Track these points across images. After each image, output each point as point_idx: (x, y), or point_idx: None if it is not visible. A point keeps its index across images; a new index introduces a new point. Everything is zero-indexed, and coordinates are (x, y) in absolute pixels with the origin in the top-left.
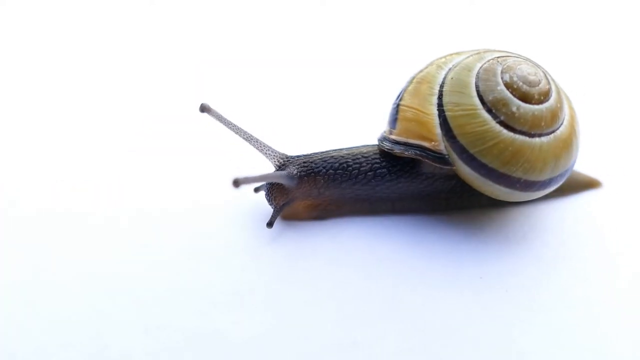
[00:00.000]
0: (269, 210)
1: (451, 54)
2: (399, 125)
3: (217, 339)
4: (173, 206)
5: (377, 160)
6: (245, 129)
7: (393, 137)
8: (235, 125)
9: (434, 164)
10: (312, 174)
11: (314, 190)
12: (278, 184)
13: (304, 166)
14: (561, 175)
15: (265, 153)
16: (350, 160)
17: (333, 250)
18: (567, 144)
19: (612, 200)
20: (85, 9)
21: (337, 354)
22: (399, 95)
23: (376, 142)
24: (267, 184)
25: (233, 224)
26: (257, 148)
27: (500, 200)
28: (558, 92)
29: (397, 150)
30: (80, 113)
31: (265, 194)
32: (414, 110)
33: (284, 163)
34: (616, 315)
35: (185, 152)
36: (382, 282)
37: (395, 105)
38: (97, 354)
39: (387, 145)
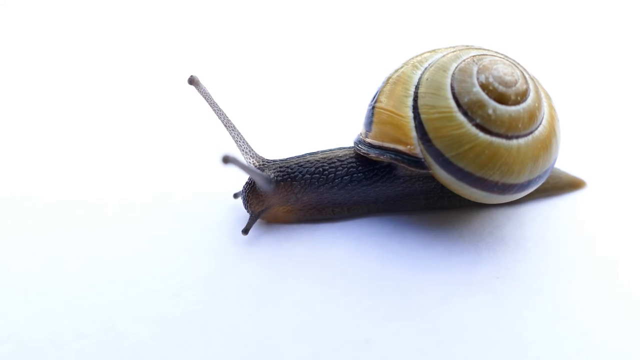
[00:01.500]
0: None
1: (427, 52)
2: (374, 128)
3: (229, 334)
4: (184, 202)
5: (354, 165)
6: (229, 117)
7: (369, 140)
8: (219, 109)
9: (409, 168)
10: (289, 179)
11: (291, 197)
12: (254, 190)
13: (281, 171)
14: (540, 177)
15: (243, 150)
16: (326, 164)
17: (346, 248)
18: (546, 145)
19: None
20: (83, 5)
21: (350, 352)
22: (374, 97)
23: (352, 144)
24: (244, 190)
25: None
26: (235, 140)
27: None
28: (536, 91)
29: (373, 154)
30: (78, 109)
31: (243, 200)
32: (389, 113)
33: (260, 166)
34: (621, 314)
35: (184, 146)
36: (395, 280)
37: (371, 107)
38: (112, 343)
39: (363, 149)
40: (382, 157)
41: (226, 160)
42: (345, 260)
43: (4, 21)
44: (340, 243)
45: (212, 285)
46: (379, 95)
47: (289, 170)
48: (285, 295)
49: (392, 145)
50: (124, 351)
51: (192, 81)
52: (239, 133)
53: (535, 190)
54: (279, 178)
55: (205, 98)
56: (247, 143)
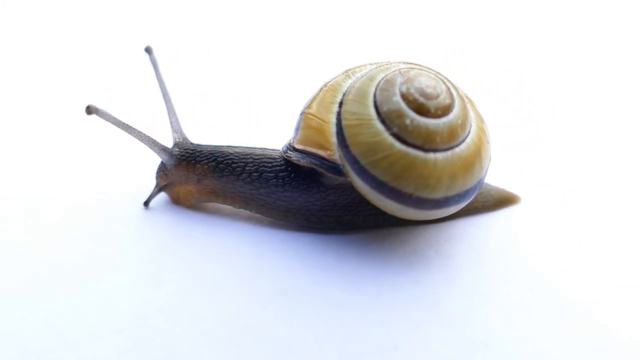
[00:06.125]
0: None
1: (368, 64)
2: (300, 133)
3: (259, 336)
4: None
5: (267, 164)
6: (169, 92)
7: (294, 144)
8: (162, 80)
9: (328, 174)
10: (193, 161)
11: (192, 177)
12: (166, 165)
13: (187, 152)
14: (460, 196)
15: (172, 122)
16: (236, 157)
17: (379, 254)
18: (467, 164)
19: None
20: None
21: (378, 357)
22: (306, 103)
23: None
24: (160, 164)
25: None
26: (168, 111)
27: (402, 220)
28: (463, 109)
29: (294, 157)
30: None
31: (157, 169)
32: (314, 118)
33: (178, 142)
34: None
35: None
36: (427, 288)
37: (301, 113)
38: (145, 340)
39: (287, 152)
40: (302, 160)
41: (89, 110)
42: (377, 265)
43: None
44: (372, 249)
45: (245, 286)
46: (310, 102)
47: (197, 153)
48: (315, 298)
49: (313, 150)
50: (157, 348)
51: (148, 50)
52: (172, 106)
53: (465, 210)
54: (182, 157)
55: (153, 66)
56: (177, 118)
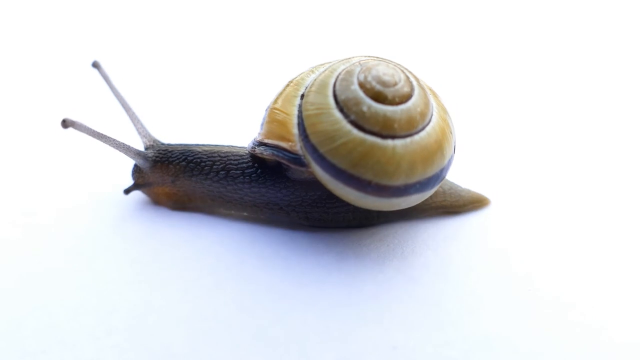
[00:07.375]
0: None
1: (331, 61)
2: (265, 127)
3: (257, 335)
4: None
5: (233, 161)
6: (127, 99)
7: (258, 138)
8: (118, 91)
9: (291, 165)
10: (166, 161)
11: (166, 178)
12: (141, 167)
13: (161, 153)
14: (421, 184)
15: (138, 129)
16: (204, 156)
17: (378, 253)
18: (427, 152)
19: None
20: None
21: (377, 358)
22: (272, 99)
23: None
24: (133, 165)
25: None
26: (131, 120)
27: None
28: (423, 98)
29: (258, 151)
30: None
31: (132, 170)
32: (278, 112)
33: (149, 146)
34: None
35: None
36: (426, 288)
37: (266, 108)
38: (143, 340)
39: (251, 146)
40: (265, 153)
41: (65, 124)
42: (376, 265)
43: None
44: (371, 249)
45: (243, 286)
46: (276, 98)
47: (169, 154)
48: (314, 298)
49: (275, 142)
50: (155, 348)
51: (95, 65)
52: (134, 114)
53: (433, 207)
54: (157, 159)
55: (105, 80)
56: (142, 124)
